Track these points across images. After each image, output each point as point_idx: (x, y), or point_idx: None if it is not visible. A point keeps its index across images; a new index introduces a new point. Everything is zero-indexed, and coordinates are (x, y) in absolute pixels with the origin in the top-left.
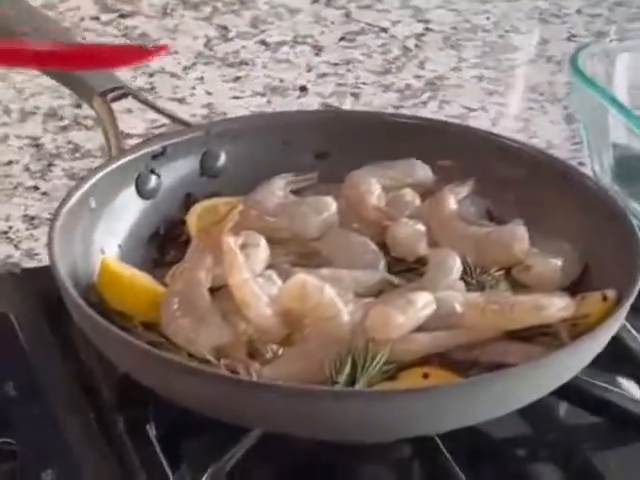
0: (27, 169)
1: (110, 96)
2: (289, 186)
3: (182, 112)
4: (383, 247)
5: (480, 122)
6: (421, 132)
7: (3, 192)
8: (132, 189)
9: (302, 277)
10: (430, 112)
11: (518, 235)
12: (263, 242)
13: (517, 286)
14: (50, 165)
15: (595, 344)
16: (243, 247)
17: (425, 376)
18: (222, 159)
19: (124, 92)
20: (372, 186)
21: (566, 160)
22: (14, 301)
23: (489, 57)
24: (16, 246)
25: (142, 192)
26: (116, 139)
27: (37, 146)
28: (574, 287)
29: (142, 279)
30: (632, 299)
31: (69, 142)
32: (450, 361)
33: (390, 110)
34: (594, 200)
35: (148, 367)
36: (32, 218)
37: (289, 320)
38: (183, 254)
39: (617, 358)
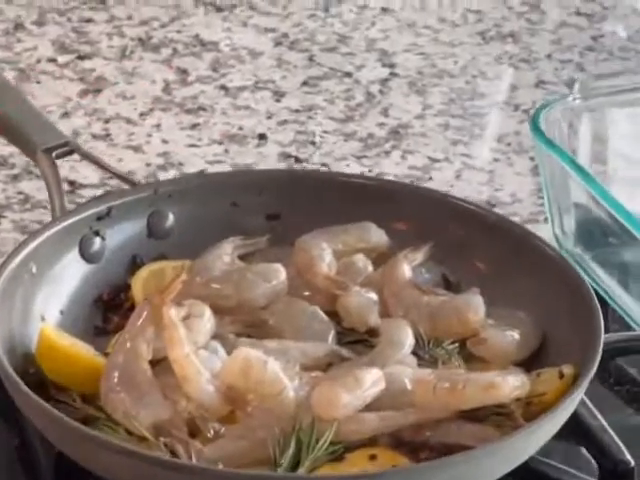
0: None
1: (55, 153)
2: (237, 250)
3: (137, 160)
4: (334, 316)
5: (444, 174)
6: (376, 194)
7: None
8: (75, 252)
9: (245, 352)
10: (393, 163)
11: (473, 305)
12: (207, 312)
13: (472, 359)
14: None
15: (551, 425)
16: (186, 317)
17: (372, 457)
18: (170, 220)
19: (70, 149)
20: (323, 252)
21: (524, 223)
22: None
23: (455, 104)
24: None
25: (86, 255)
26: (59, 199)
27: None
28: (531, 360)
29: (82, 350)
30: (590, 376)
31: (19, 192)
32: (400, 441)
33: (351, 160)
34: (551, 268)
35: (80, 447)
36: None
37: (232, 396)
38: (127, 321)
39: (574, 434)
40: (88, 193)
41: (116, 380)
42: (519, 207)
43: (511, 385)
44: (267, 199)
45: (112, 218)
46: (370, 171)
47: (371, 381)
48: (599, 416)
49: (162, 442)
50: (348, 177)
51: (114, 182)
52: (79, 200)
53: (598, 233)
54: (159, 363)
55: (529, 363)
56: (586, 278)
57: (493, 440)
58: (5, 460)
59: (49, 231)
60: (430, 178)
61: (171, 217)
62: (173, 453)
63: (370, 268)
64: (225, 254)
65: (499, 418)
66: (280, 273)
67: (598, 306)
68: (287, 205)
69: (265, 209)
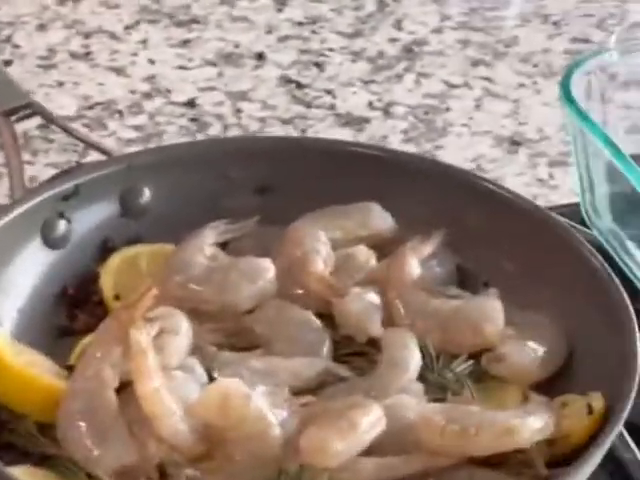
0: None
1: (15, 117)
2: (222, 237)
3: (120, 86)
4: (330, 319)
5: (463, 104)
6: (383, 167)
7: None
8: (37, 239)
9: (224, 385)
10: (405, 89)
11: (490, 314)
12: (184, 327)
13: (487, 377)
14: None
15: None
16: (160, 333)
17: None
18: (146, 196)
19: (32, 111)
20: (318, 243)
21: (551, 165)
22: None
23: (476, 15)
24: None
25: (49, 241)
26: (19, 175)
27: None
28: (553, 378)
29: (38, 370)
30: (624, 415)
31: None
32: None
33: (358, 87)
34: (587, 273)
35: None
36: None
37: (208, 435)
38: (95, 320)
39: (604, 466)
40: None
41: (76, 414)
42: (547, 145)
43: (532, 429)
44: (257, 170)
45: (79, 197)
46: (379, 100)
47: (369, 424)
48: (634, 448)
49: None
50: (350, 146)
51: (93, 113)
52: (53, 137)
53: (634, 207)
54: (127, 387)
55: (551, 381)
56: (620, 263)
57: None
58: None
59: (7, 216)
60: (447, 109)
61: (147, 193)
62: None
63: (373, 262)
64: (206, 245)
65: (517, 464)
66: (268, 271)
67: (635, 325)
68: (279, 178)
69: (254, 182)
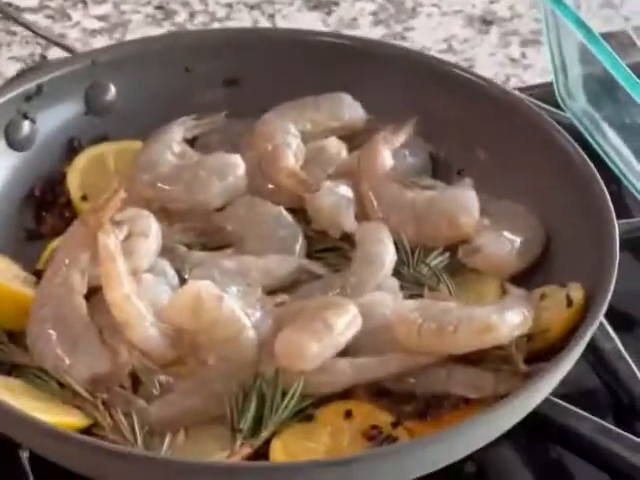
0: None
1: None
2: (190, 132)
3: None
4: (303, 214)
5: None
6: (351, 56)
7: None
8: (1, 141)
9: (195, 287)
10: None
11: (465, 205)
12: (154, 229)
13: (464, 270)
14: None
15: (555, 378)
16: (128, 236)
17: (348, 415)
18: (111, 92)
19: None
20: (288, 136)
21: (524, 44)
22: None
23: None
24: None
25: (13, 143)
26: None
27: None
28: (532, 268)
29: (5, 277)
30: (604, 308)
31: None
32: (380, 390)
33: None
34: (559, 153)
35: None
36: None
37: (181, 340)
38: (62, 222)
39: (585, 356)
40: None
41: (45, 322)
42: (518, 23)
43: (511, 324)
44: (224, 63)
45: (43, 96)
46: None
47: (344, 324)
48: (615, 338)
49: (100, 400)
50: (317, 35)
51: (56, 3)
52: (15, 30)
53: (608, 92)
54: (96, 293)
55: (529, 272)
56: (595, 145)
57: (487, 389)
58: None
59: None
60: None
61: (112, 89)
62: (112, 415)
63: (344, 153)
64: (174, 142)
65: (495, 360)
66: (238, 167)
67: (611, 207)
68: (246, 70)
69: (222, 74)
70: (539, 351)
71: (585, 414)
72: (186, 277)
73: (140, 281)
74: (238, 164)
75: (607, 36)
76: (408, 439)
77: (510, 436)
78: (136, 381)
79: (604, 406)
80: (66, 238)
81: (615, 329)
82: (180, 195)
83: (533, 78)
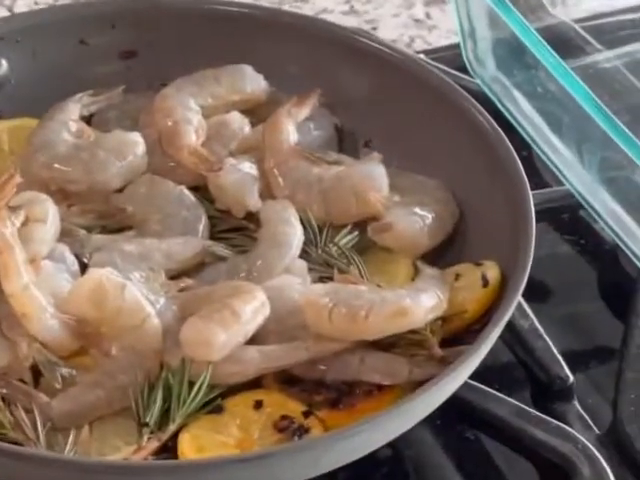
0: None
1: None
2: (87, 109)
3: None
4: (205, 191)
5: None
6: (251, 26)
7: None
8: None
9: (96, 275)
10: None
11: (374, 180)
12: (51, 214)
13: (374, 248)
14: None
15: (469, 368)
16: (25, 222)
17: (258, 405)
18: (3, 68)
19: None
20: (188, 113)
21: (433, 54)
22: None
23: None
24: None
25: None
26: None
27: None
28: (444, 245)
29: None
30: (520, 290)
31: None
32: (290, 378)
33: None
34: (470, 124)
35: None
36: None
37: (82, 330)
38: None
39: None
40: None
41: None
42: None
43: (425, 307)
44: (120, 34)
45: None
46: None
47: (252, 312)
48: (531, 315)
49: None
50: (215, 4)
51: None
52: None
53: (518, 58)
54: None
55: (441, 250)
56: (505, 113)
57: (402, 375)
58: None
59: None
60: None
61: (4, 64)
62: (12, 411)
63: (247, 129)
64: (71, 119)
65: (410, 345)
66: (137, 146)
67: (525, 180)
68: (144, 40)
69: (118, 46)
70: (454, 332)
71: (502, 396)
72: (86, 261)
73: (38, 269)
74: (138, 142)
75: None
76: (320, 430)
77: (426, 419)
78: (37, 375)
79: (520, 384)
80: None
81: (528, 300)
82: (78, 176)
83: (438, 40)
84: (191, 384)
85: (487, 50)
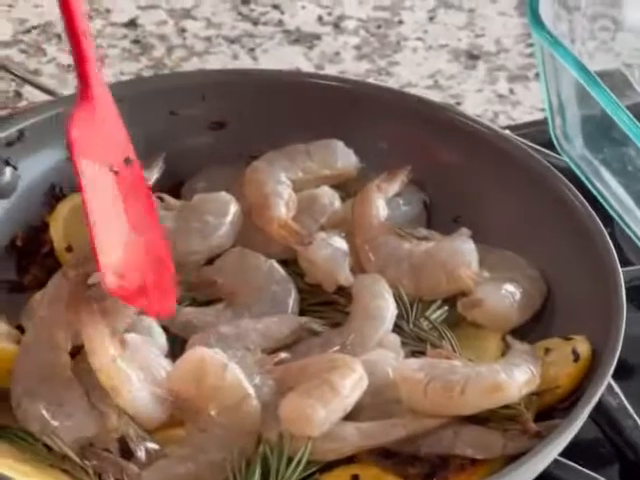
0: None
1: None
2: None
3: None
4: (295, 265)
5: (416, 16)
6: (343, 99)
7: None
8: None
9: (199, 354)
10: (356, 1)
11: (464, 257)
12: None
13: (464, 322)
14: None
15: (564, 438)
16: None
17: (355, 478)
18: None
19: None
20: (279, 186)
21: (511, 80)
22: None
23: None
24: None
25: None
26: None
27: None
28: (533, 320)
29: None
30: (613, 363)
31: None
32: (385, 452)
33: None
34: (562, 205)
35: None
36: None
37: (180, 405)
38: (45, 274)
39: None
40: None
41: (30, 382)
42: (505, 58)
43: (519, 383)
44: (210, 105)
45: (25, 142)
46: (330, 14)
47: (351, 387)
48: (620, 393)
49: (89, 465)
50: (305, 77)
51: (30, 37)
52: None
53: (606, 135)
54: (81, 349)
55: (530, 324)
56: (593, 191)
57: (496, 450)
58: None
59: None
60: (400, 22)
61: None
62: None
63: (337, 203)
64: None
65: (503, 419)
66: (231, 202)
67: (615, 256)
68: (234, 112)
69: (208, 117)
70: (546, 407)
71: (593, 474)
72: (172, 330)
73: (125, 342)
74: (229, 198)
75: (601, 75)
76: None
77: None
78: (123, 445)
79: (606, 461)
80: (48, 292)
81: (616, 379)
82: (197, 245)
83: (522, 115)
84: (289, 459)
85: (575, 127)
